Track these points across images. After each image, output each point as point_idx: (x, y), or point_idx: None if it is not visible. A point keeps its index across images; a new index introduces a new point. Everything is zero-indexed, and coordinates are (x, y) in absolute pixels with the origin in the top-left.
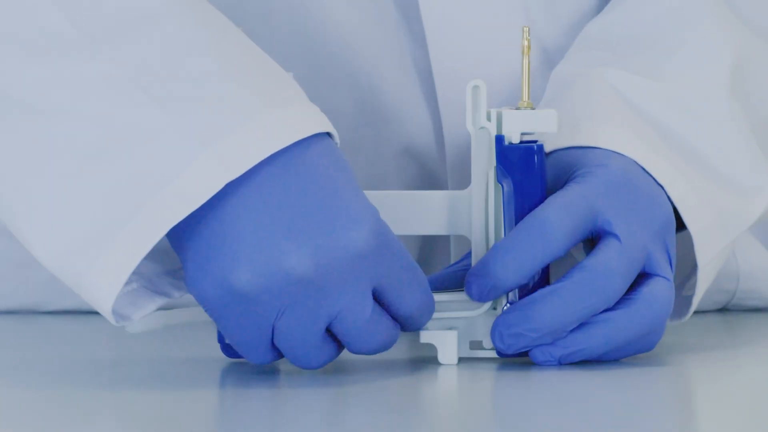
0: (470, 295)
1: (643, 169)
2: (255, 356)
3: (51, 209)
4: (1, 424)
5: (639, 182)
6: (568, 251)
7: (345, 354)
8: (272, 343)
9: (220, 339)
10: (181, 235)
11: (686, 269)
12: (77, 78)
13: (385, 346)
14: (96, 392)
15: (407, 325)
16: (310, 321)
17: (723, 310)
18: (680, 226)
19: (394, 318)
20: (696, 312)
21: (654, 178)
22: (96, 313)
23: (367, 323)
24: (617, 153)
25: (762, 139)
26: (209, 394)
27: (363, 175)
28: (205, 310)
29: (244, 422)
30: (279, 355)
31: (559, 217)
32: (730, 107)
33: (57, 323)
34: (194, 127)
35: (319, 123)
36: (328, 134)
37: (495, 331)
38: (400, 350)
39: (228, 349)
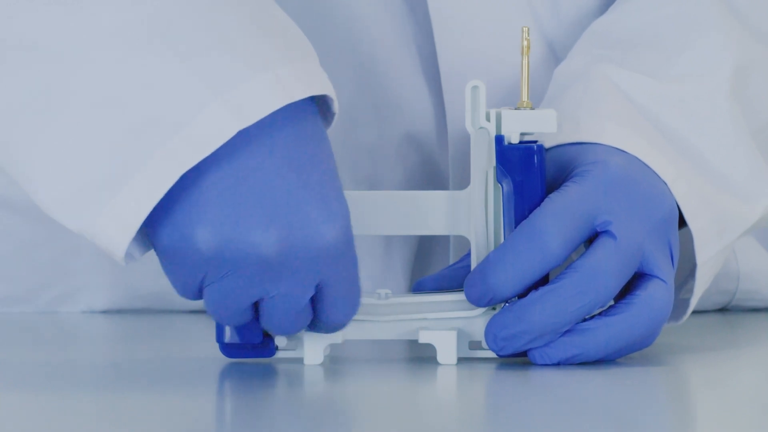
0: (469, 299)
1: (646, 166)
2: (182, 293)
3: (62, 153)
4: (1, 424)
5: (639, 178)
6: (566, 258)
7: (344, 354)
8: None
9: (219, 339)
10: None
11: (684, 272)
12: (93, 23)
13: (289, 333)
14: (96, 392)
15: (320, 328)
16: (245, 294)
17: (723, 310)
18: (680, 224)
19: (316, 317)
20: (696, 312)
21: (657, 174)
22: (96, 313)
23: (296, 314)
24: (619, 149)
25: (762, 144)
26: (209, 394)
27: (364, 162)
28: (154, 247)
29: (244, 422)
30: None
31: (555, 226)
32: (731, 111)
33: (57, 323)
34: (208, 74)
35: (327, 85)
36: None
37: (489, 333)
38: (399, 350)
39: (227, 349)
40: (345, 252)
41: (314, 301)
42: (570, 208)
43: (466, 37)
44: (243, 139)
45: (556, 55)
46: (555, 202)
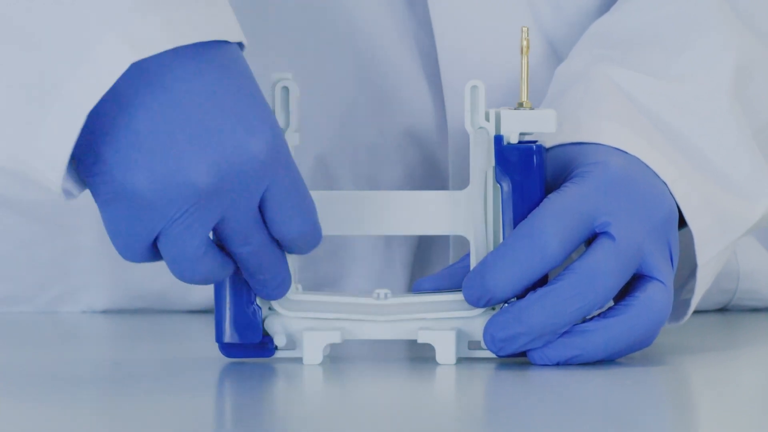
0: (468, 300)
1: (647, 166)
2: (131, 255)
3: None
4: (1, 424)
5: (639, 178)
6: (565, 259)
7: (343, 354)
8: (153, 246)
9: (219, 339)
10: (93, 129)
11: (685, 272)
12: None
13: (262, 262)
14: (95, 392)
15: (290, 247)
16: (197, 230)
17: (723, 310)
18: (680, 225)
19: (273, 234)
20: (696, 312)
21: (657, 175)
22: (96, 313)
23: (246, 229)
24: (619, 150)
25: (763, 143)
26: (208, 394)
27: (364, 160)
28: (95, 201)
29: (243, 422)
30: (158, 257)
31: (554, 226)
32: (732, 110)
33: (57, 323)
34: (103, 7)
35: (234, 31)
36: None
37: (487, 334)
38: (398, 350)
39: (226, 349)
40: (278, 160)
41: (267, 220)
42: (569, 208)
43: (466, 35)
44: (153, 76)
45: (557, 54)
46: (554, 203)
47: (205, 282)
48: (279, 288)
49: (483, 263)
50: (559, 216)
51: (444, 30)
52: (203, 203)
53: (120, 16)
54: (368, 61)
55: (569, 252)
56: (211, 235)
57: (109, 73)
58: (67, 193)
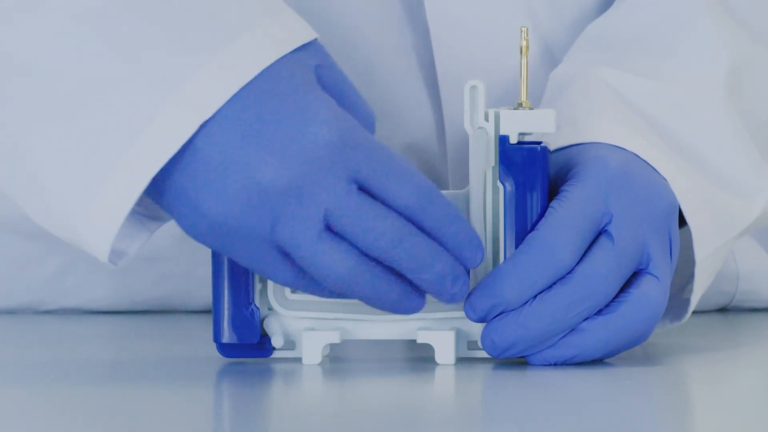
0: (473, 313)
1: (646, 162)
2: (276, 277)
3: (27, 168)
4: (1, 424)
5: (638, 173)
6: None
7: (342, 354)
8: (285, 257)
9: (217, 339)
10: (158, 180)
11: (685, 273)
12: (31, 32)
13: (395, 235)
14: (95, 392)
15: (420, 222)
16: (305, 226)
17: (722, 310)
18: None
19: (404, 213)
20: (696, 312)
21: (656, 170)
22: (96, 313)
23: (358, 208)
24: (618, 147)
25: (759, 141)
26: (206, 393)
27: None
28: (207, 246)
29: (242, 422)
30: (299, 272)
31: (566, 237)
32: (727, 108)
33: (57, 323)
34: (157, 72)
35: (280, 45)
36: None
37: (486, 340)
38: (397, 350)
39: (225, 349)
40: (352, 135)
41: (376, 197)
42: (577, 217)
43: (463, 42)
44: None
45: (554, 56)
46: (561, 212)
47: (346, 276)
48: (455, 284)
49: (492, 277)
50: (568, 224)
51: (441, 38)
52: (292, 200)
53: (178, 76)
54: (367, 72)
55: (580, 256)
56: None
57: (175, 139)
58: (116, 255)
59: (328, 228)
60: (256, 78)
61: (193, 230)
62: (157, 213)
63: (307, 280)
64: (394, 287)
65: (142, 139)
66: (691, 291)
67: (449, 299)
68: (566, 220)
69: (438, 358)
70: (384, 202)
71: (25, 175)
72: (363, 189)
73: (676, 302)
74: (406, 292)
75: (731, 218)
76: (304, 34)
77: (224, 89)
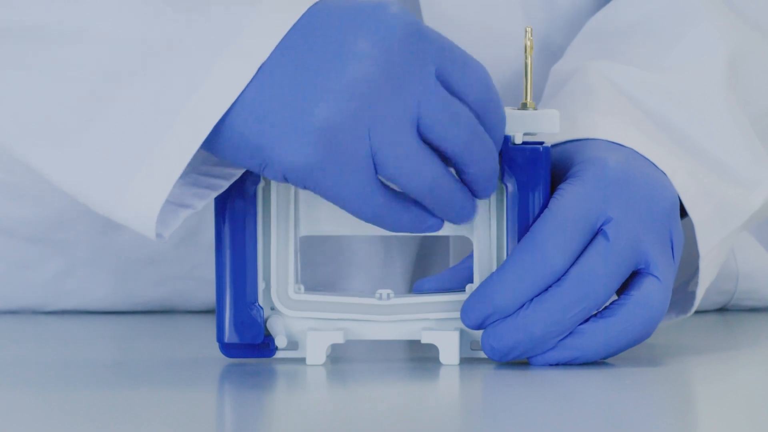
0: (469, 321)
1: (645, 158)
2: (365, 202)
3: (75, 134)
4: (1, 424)
5: (638, 172)
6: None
7: (346, 355)
8: (378, 181)
9: (220, 339)
10: (219, 126)
11: (690, 266)
12: (81, 1)
13: (470, 135)
14: (96, 392)
15: (483, 116)
16: (400, 124)
17: (722, 310)
18: (683, 215)
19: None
20: (695, 312)
21: (656, 166)
22: (96, 313)
23: (441, 101)
24: (616, 144)
25: (759, 130)
26: (209, 394)
27: None
28: (297, 180)
29: (244, 423)
30: (387, 198)
31: (557, 239)
32: (727, 99)
33: (57, 323)
34: (208, 27)
35: None
36: None
37: (486, 344)
38: (401, 351)
39: (227, 349)
40: (423, 28)
41: (452, 90)
42: (570, 218)
43: (460, 42)
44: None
45: (550, 55)
46: (555, 213)
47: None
48: (491, 182)
49: (486, 284)
50: (560, 228)
51: None
52: (384, 94)
53: (227, 33)
54: None
55: (574, 259)
56: None
57: (228, 95)
58: (158, 236)
59: (417, 126)
60: (313, 5)
61: (287, 156)
62: (187, 201)
63: (392, 209)
64: (465, 195)
65: (195, 97)
66: (696, 284)
67: (487, 195)
68: (559, 222)
69: (442, 359)
70: (458, 96)
71: (73, 143)
72: (440, 80)
73: (682, 295)
74: (468, 197)
75: (734, 209)
76: None
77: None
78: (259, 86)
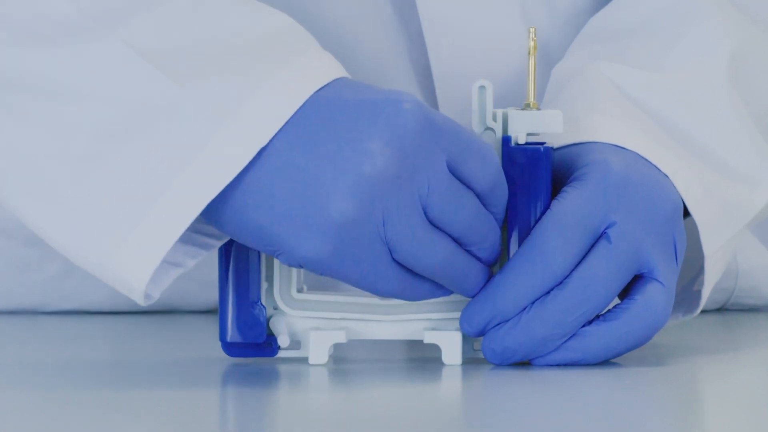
0: (469, 328)
1: (647, 161)
2: (381, 284)
3: (70, 193)
4: (1, 424)
5: (640, 176)
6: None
7: (348, 354)
8: (393, 262)
9: (222, 338)
10: (219, 208)
11: (696, 265)
12: (87, 60)
13: (474, 218)
14: (96, 392)
15: (487, 201)
16: (411, 212)
17: (722, 309)
18: (687, 215)
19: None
20: None
21: (658, 169)
22: (96, 313)
23: (449, 189)
24: (618, 147)
25: (762, 128)
26: (210, 394)
27: None
28: (314, 270)
29: (246, 422)
30: (402, 276)
31: (558, 242)
32: (730, 98)
33: (57, 323)
34: (212, 97)
35: (329, 70)
36: None
37: (486, 348)
38: (404, 351)
39: (230, 348)
40: (435, 119)
41: (463, 179)
42: (573, 221)
43: (458, 44)
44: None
45: (549, 55)
46: (557, 216)
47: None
48: (496, 251)
49: (487, 291)
50: (562, 231)
51: (436, 42)
52: (394, 185)
53: (232, 102)
54: (361, 78)
55: (576, 263)
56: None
57: (231, 165)
58: (146, 297)
59: (425, 211)
60: (320, 90)
61: (305, 252)
62: (179, 260)
63: (408, 285)
64: (475, 266)
65: (196, 164)
66: (702, 283)
67: (492, 262)
68: (561, 225)
69: (445, 359)
70: (468, 179)
71: (67, 200)
72: (451, 167)
73: (687, 295)
74: (479, 268)
75: (738, 208)
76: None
77: (287, 105)
78: (266, 170)
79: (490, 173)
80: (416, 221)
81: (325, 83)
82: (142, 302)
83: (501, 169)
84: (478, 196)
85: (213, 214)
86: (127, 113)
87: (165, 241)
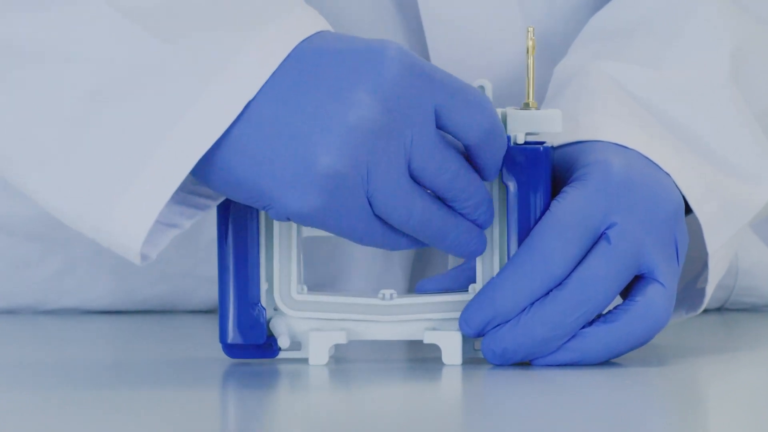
0: (469, 329)
1: (648, 160)
2: (365, 235)
3: (62, 156)
4: (1, 424)
5: (641, 176)
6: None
7: (349, 355)
8: (375, 217)
9: (223, 339)
10: (208, 165)
11: (699, 263)
12: (71, 22)
13: (456, 175)
14: (96, 392)
15: (477, 153)
16: (394, 167)
17: (722, 309)
18: (689, 212)
19: (465, 146)
20: None
21: (660, 167)
22: (95, 313)
23: (433, 144)
24: (620, 146)
25: (764, 124)
26: (210, 394)
27: None
28: (301, 222)
29: (247, 423)
30: (383, 229)
31: (557, 242)
32: (731, 94)
33: (56, 322)
34: (198, 54)
35: (315, 23)
36: None
37: (486, 349)
38: (404, 351)
39: (230, 350)
40: (421, 66)
41: (449, 129)
42: (573, 221)
43: (458, 41)
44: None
45: (549, 54)
46: (557, 216)
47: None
48: (486, 212)
49: (486, 291)
50: (562, 231)
51: (436, 37)
52: (383, 134)
53: (219, 59)
54: None
55: (575, 264)
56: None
57: (220, 121)
58: (144, 257)
59: (408, 165)
60: (305, 41)
61: (294, 201)
62: (175, 220)
63: (388, 238)
64: (462, 228)
65: (186, 121)
66: (705, 281)
67: (485, 224)
68: (561, 225)
69: (445, 359)
70: (460, 131)
71: (59, 163)
72: (439, 116)
73: (690, 293)
74: (468, 229)
75: (740, 206)
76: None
77: (271, 59)
78: (252, 125)
79: (482, 122)
80: (396, 176)
81: (308, 35)
82: (138, 262)
83: (496, 117)
84: (470, 147)
85: (202, 171)
86: (114, 74)
87: (158, 199)
